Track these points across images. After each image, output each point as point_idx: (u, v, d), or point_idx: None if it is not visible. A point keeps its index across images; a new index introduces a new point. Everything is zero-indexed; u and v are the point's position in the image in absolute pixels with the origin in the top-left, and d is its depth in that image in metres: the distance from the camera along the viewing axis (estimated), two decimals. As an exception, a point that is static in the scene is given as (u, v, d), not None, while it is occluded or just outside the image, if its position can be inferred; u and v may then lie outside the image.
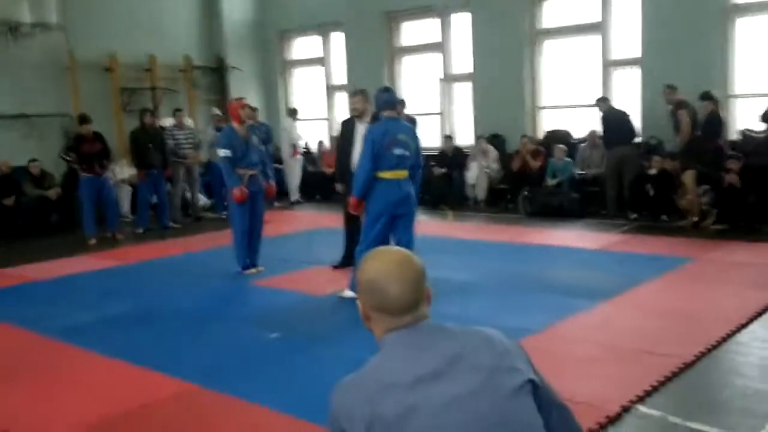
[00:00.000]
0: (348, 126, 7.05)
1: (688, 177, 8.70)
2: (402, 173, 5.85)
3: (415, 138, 6.03)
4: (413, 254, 1.80)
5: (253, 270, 7.32)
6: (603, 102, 10.06)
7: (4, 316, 6.09)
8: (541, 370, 1.83)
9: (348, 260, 6.98)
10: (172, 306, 6.22)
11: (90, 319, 5.89)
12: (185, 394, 4.20)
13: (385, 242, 5.88)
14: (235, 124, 7.19)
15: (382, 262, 1.77)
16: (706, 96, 9.07)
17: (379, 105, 5.96)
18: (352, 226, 7.00)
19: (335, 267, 7.27)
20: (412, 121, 11.43)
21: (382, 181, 5.80)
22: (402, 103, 11.59)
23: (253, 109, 12.71)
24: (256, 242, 7.40)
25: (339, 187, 7.18)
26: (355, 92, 6.94)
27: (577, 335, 4.94)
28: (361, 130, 6.69)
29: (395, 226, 5.95)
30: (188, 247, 9.14)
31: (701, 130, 9.14)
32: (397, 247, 1.86)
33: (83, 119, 9.85)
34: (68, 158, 10.44)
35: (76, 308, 6.26)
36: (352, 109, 6.90)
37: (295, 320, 5.65)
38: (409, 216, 5.97)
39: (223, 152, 7.06)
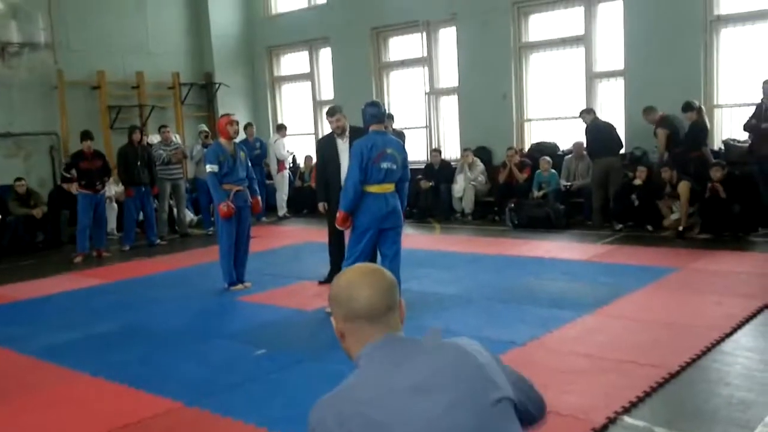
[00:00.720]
0: (328, 144, 7.00)
1: (684, 187, 8.75)
2: (389, 187, 5.88)
3: (403, 151, 6.06)
4: (382, 268, 1.82)
5: (240, 286, 7.30)
6: (587, 114, 10.13)
7: (-12, 335, 6.05)
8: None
9: (334, 276, 6.91)
10: (158, 323, 6.20)
11: (75, 337, 5.86)
12: (171, 412, 4.17)
13: (372, 256, 5.90)
14: (222, 140, 7.20)
15: (351, 274, 1.81)
16: (688, 107, 9.16)
17: (367, 119, 5.98)
18: (337, 241, 7.01)
19: (321, 282, 7.26)
20: (400, 135, 11.50)
21: (369, 195, 5.82)
22: (390, 117, 11.67)
23: (248, 124, 12.79)
24: (242, 258, 7.39)
25: (321, 206, 7.10)
26: (334, 110, 6.87)
27: (562, 347, 4.95)
28: (342, 146, 6.77)
29: (382, 240, 5.97)
30: (175, 263, 9.12)
31: (685, 140, 9.22)
32: (366, 263, 1.90)
33: (85, 135, 9.88)
34: (69, 175, 10.41)
35: (60, 327, 6.22)
36: (336, 127, 6.83)
37: (281, 336, 5.64)
38: (395, 230, 6.00)
39: (209, 167, 7.07)
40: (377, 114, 5.96)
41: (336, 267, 6.89)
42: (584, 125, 10.15)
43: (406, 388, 1.64)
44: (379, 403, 1.62)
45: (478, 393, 1.66)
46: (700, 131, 9.16)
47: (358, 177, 5.75)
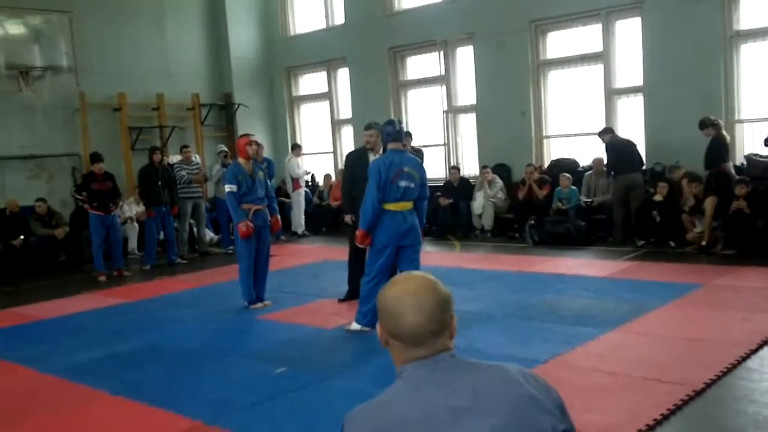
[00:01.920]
0: (358, 158, 7.12)
1: (710, 202, 8.67)
2: (407, 205, 5.90)
3: (421, 170, 6.06)
4: (438, 282, 1.72)
5: (259, 305, 7.31)
6: (605, 133, 10.08)
7: (11, 355, 6.09)
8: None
9: (353, 293, 6.97)
10: (179, 342, 6.21)
11: (96, 357, 5.88)
12: (191, 431, 4.17)
13: (391, 273, 5.88)
14: (241, 160, 7.24)
15: (400, 289, 1.70)
16: (704, 123, 9.10)
17: (384, 137, 6.02)
18: (357, 259, 7.02)
19: (341, 300, 7.25)
20: (419, 153, 11.51)
21: (387, 213, 5.85)
22: (409, 135, 11.69)
23: (258, 146, 12.84)
24: (262, 276, 7.40)
25: (348, 218, 7.15)
26: (369, 125, 7.02)
27: (585, 364, 4.89)
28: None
29: (401, 258, 5.97)
30: (195, 282, 9.15)
31: (706, 156, 9.14)
32: (422, 274, 1.77)
33: (95, 158, 9.98)
34: (80, 197, 10.52)
35: (81, 346, 6.25)
36: (366, 142, 6.99)
37: (301, 355, 5.62)
38: (414, 247, 6.00)
39: (228, 187, 7.11)
40: (393, 132, 5.97)
41: (355, 285, 6.92)
42: (603, 143, 10.10)
43: (446, 410, 1.58)
44: (416, 423, 1.57)
45: (525, 421, 1.59)
46: (720, 146, 9.08)
47: (376, 196, 5.77)
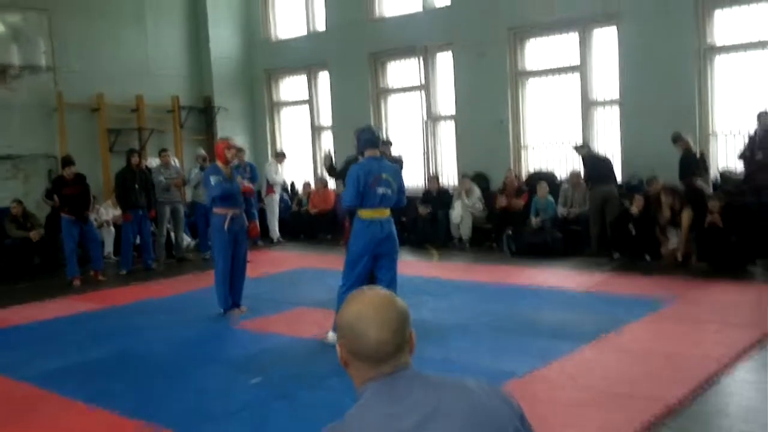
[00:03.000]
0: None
1: (686, 217, 8.77)
2: (384, 212, 5.87)
3: (398, 177, 6.03)
4: (396, 297, 1.72)
5: (236, 311, 7.28)
6: (581, 148, 10.18)
7: (-18, 362, 6.00)
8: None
9: None
10: (153, 349, 6.16)
11: (69, 363, 5.82)
12: (164, 442, 4.14)
13: (367, 281, 5.83)
14: (219, 164, 7.21)
15: (361, 305, 1.69)
16: (676, 138, 9.27)
17: (361, 144, 5.95)
18: None
19: None
20: (398, 161, 11.49)
21: (363, 221, 5.82)
22: (389, 143, 11.70)
23: (239, 149, 12.79)
24: (239, 282, 7.36)
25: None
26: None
27: (560, 379, 4.92)
28: None
29: (378, 266, 5.94)
30: (171, 288, 9.07)
31: (680, 169, 9.28)
32: (380, 288, 1.77)
33: (66, 162, 9.85)
34: (50, 202, 10.38)
35: (55, 353, 6.18)
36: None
37: (276, 364, 5.60)
38: (390, 255, 5.95)
39: (213, 179, 7.01)
40: (372, 139, 5.93)
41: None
42: (580, 156, 10.21)
43: (409, 427, 1.60)
44: None
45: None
46: (690, 161, 9.23)
47: (352, 201, 5.77)
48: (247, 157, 13.15)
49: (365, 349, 1.66)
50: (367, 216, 5.80)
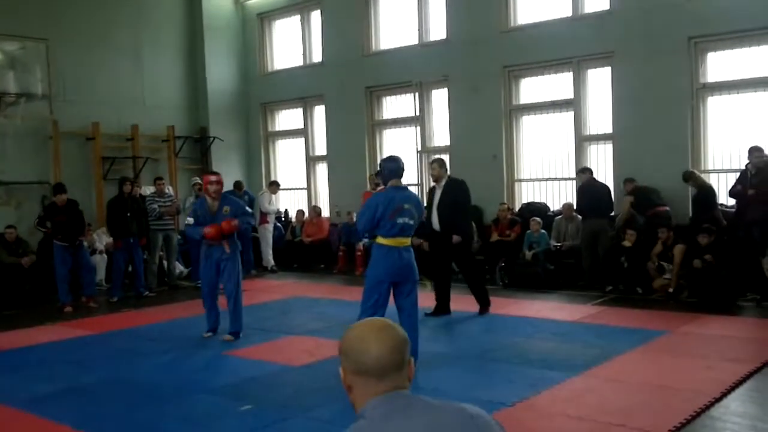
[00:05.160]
0: (431, 191, 8.38)
1: (678, 251, 8.82)
2: (403, 241, 5.95)
3: (420, 207, 6.17)
4: (396, 324, 1.81)
5: (208, 334, 7.42)
6: (582, 173, 10.21)
7: (-30, 386, 5.95)
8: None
9: (441, 308, 8.23)
10: (143, 377, 6.12)
11: (58, 389, 5.78)
12: (152, 468, 4.10)
13: (384, 308, 5.90)
14: (207, 198, 7.37)
15: (363, 327, 1.79)
16: (688, 177, 9.40)
17: (385, 174, 6.07)
18: (442, 275, 8.32)
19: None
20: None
21: (382, 248, 5.90)
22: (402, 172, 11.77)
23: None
24: (231, 310, 7.35)
25: (416, 240, 7.72)
26: (432, 160, 8.30)
27: (550, 409, 4.91)
28: (437, 193, 8.14)
29: (397, 293, 6.02)
30: (162, 315, 9.04)
31: (696, 206, 9.38)
32: (380, 318, 1.88)
33: (58, 189, 9.88)
34: (43, 229, 10.36)
35: (44, 378, 6.13)
36: (430, 175, 8.31)
37: (267, 392, 5.57)
38: (408, 284, 6.02)
39: (187, 220, 7.48)
40: (396, 169, 6.03)
41: (440, 296, 8.24)
42: (577, 184, 10.26)
43: None
44: None
45: None
46: (709, 195, 9.34)
47: (366, 226, 6.02)
48: (245, 186, 13.26)
49: (366, 365, 1.73)
50: (387, 243, 5.88)
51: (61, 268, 9.67)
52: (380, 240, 5.91)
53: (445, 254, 8.27)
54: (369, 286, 5.98)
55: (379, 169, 6.16)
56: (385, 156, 6.44)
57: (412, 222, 5.93)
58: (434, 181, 8.21)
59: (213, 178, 7.43)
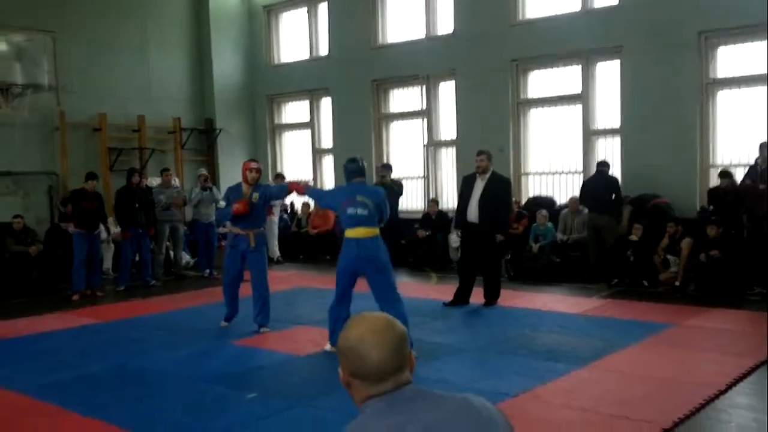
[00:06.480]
0: (469, 179, 8.41)
1: (686, 245, 8.81)
2: (361, 231, 6.08)
3: (376, 195, 6.27)
4: (393, 320, 1.78)
5: (223, 323, 7.49)
6: (599, 166, 10.10)
7: (-22, 374, 5.99)
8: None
9: (459, 297, 8.38)
10: (150, 365, 6.15)
11: (67, 377, 5.81)
12: (158, 455, 4.13)
13: (348, 296, 6.24)
14: (243, 184, 7.34)
15: (362, 328, 1.74)
16: (726, 173, 9.28)
17: (347, 174, 6.33)
18: (467, 263, 8.45)
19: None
20: (398, 185, 11.64)
21: (345, 240, 6.19)
22: (388, 168, 11.81)
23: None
24: (256, 301, 7.35)
25: (456, 234, 8.81)
26: (481, 152, 8.38)
27: (554, 400, 4.92)
28: (479, 184, 8.23)
29: (370, 283, 6.21)
30: (169, 305, 9.08)
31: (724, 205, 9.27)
32: (380, 313, 1.84)
33: (90, 176, 10.00)
34: (63, 209, 10.35)
35: (52, 366, 6.17)
36: (477, 166, 8.28)
37: (273, 381, 5.61)
38: (375, 272, 6.12)
39: (220, 203, 7.64)
40: (356, 169, 6.30)
41: (463, 287, 8.36)
42: (583, 177, 10.24)
43: None
44: None
45: None
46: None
47: (329, 203, 6.81)
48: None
49: (367, 370, 1.70)
50: (347, 235, 6.15)
51: (79, 257, 9.74)
52: (345, 232, 6.20)
53: (478, 247, 8.28)
54: (337, 275, 6.26)
55: (343, 169, 6.36)
56: (348, 158, 6.52)
57: (366, 212, 6.09)
58: (479, 173, 8.27)
59: (254, 165, 7.43)
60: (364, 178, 6.37)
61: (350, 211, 6.10)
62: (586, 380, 5.36)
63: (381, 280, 6.12)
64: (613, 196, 9.95)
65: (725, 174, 9.28)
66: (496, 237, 8.23)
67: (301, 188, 7.57)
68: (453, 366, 5.82)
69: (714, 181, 10.00)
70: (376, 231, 6.15)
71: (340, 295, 6.22)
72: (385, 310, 5.82)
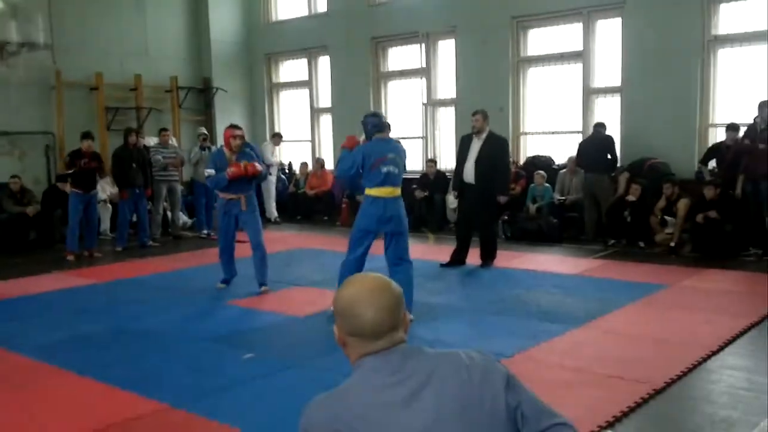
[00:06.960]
0: (465, 140, 8.33)
1: (682, 206, 8.81)
2: (388, 190, 5.96)
3: (404, 153, 6.18)
4: (389, 280, 1.79)
5: (220, 285, 7.47)
6: (595, 128, 10.06)
7: (-24, 333, 6.03)
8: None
9: (457, 257, 8.37)
10: (147, 325, 6.19)
11: (64, 336, 5.85)
12: (157, 414, 4.17)
13: (363, 258, 6.07)
14: (226, 150, 7.27)
15: (358, 288, 1.76)
16: (732, 127, 9.14)
17: (369, 129, 6.09)
18: (464, 224, 8.44)
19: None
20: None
21: (368, 198, 5.97)
22: (388, 126, 11.69)
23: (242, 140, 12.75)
24: (256, 262, 7.35)
25: (453, 195, 8.65)
26: (476, 112, 8.20)
27: (548, 360, 4.97)
28: (476, 145, 8.13)
29: (387, 245, 6.09)
30: (166, 266, 9.10)
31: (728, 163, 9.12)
32: (374, 274, 1.84)
33: (85, 135, 9.91)
34: (69, 171, 10.32)
35: (50, 326, 6.21)
36: (472, 126, 8.18)
37: (270, 341, 5.65)
38: (395, 234, 6.05)
39: (207, 172, 7.34)
40: (378, 123, 6.08)
41: (460, 248, 8.33)
42: (582, 136, 10.19)
43: (400, 396, 1.65)
44: (372, 409, 1.64)
45: (476, 405, 1.66)
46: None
47: (344, 172, 6.01)
48: (246, 138, 13.17)
49: (362, 329, 1.71)
50: (373, 194, 5.94)
51: (74, 217, 9.73)
52: (368, 191, 5.97)
53: (475, 207, 8.24)
54: (354, 236, 6.07)
55: (362, 124, 6.18)
56: (368, 113, 6.40)
57: (396, 171, 5.97)
58: (475, 133, 8.18)
59: (238, 132, 7.30)
60: (388, 133, 6.17)
61: (384, 169, 5.88)
62: (581, 340, 5.40)
63: (400, 241, 6.06)
64: (609, 156, 9.91)
65: (732, 127, 9.17)
66: (499, 199, 8.20)
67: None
68: (449, 326, 5.85)
69: (713, 139, 9.96)
70: (399, 190, 6.06)
71: (359, 255, 6.03)
72: (396, 272, 5.86)
